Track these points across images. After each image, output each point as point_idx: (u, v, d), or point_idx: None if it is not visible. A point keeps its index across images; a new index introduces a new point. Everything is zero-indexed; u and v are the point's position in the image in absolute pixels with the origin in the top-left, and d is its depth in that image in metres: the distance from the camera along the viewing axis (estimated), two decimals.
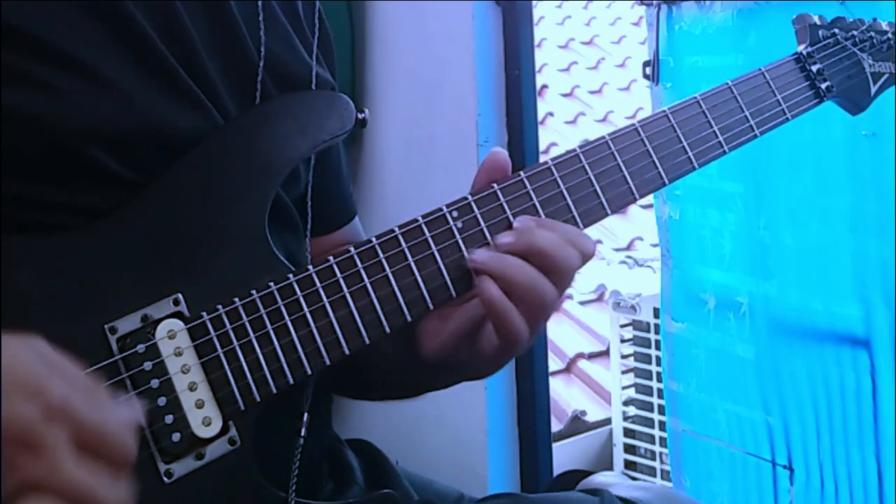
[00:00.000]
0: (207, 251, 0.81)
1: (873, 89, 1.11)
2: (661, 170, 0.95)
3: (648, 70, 2.03)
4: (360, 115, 0.92)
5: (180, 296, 0.79)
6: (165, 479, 0.76)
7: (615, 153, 0.93)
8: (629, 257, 3.96)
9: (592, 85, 5.68)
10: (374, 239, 0.84)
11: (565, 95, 5.53)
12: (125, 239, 0.79)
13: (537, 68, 1.72)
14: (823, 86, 1.06)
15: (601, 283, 3.71)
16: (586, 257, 0.85)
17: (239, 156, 0.84)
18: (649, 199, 2.44)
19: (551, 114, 5.02)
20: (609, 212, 0.92)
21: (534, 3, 1.70)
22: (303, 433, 0.86)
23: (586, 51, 6.23)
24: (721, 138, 0.98)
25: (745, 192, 1.96)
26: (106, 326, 0.76)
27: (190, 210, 0.82)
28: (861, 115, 1.73)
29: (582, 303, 3.97)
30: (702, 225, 2.05)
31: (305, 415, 0.87)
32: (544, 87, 5.34)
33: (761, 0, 1.83)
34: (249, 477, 0.79)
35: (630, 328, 3.14)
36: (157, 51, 0.82)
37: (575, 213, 0.90)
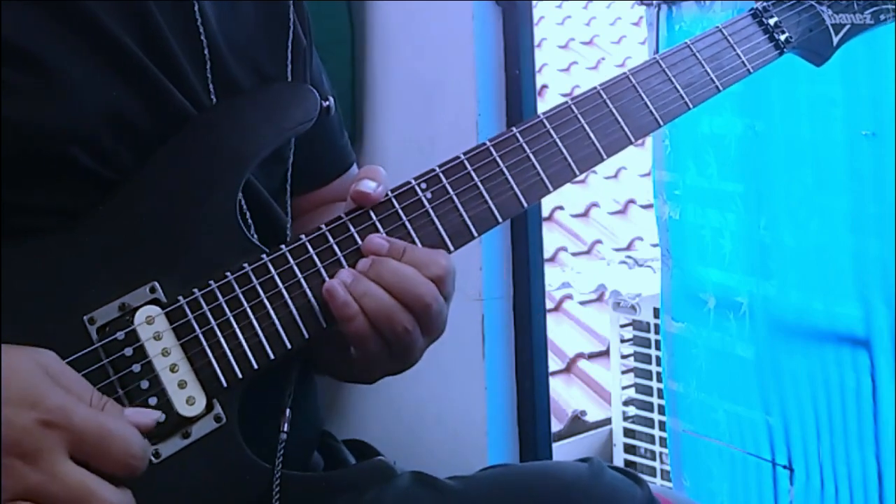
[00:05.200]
0: (181, 240, 0.83)
1: (835, 40, 1.13)
2: (626, 129, 0.97)
3: None
4: (324, 104, 0.94)
5: (156, 284, 0.81)
6: (154, 459, 0.77)
7: (579, 116, 0.95)
8: (629, 257, 3.96)
9: (592, 85, 5.67)
10: (344, 216, 0.87)
11: (565, 95, 5.51)
12: (101, 235, 0.81)
13: (537, 68, 1.72)
14: (782, 38, 1.08)
15: (601, 283, 3.71)
16: (440, 280, 0.85)
17: (207, 148, 0.86)
18: (649, 198, 2.44)
19: None
20: (577, 172, 0.94)
21: (534, 3, 1.70)
22: (285, 428, 0.87)
23: (586, 51, 6.23)
24: (684, 94, 1.01)
25: (745, 192, 1.96)
26: (85, 317, 0.78)
27: (162, 202, 0.83)
28: (861, 115, 1.74)
29: (582, 303, 3.97)
30: (702, 225, 2.05)
31: (288, 411, 0.88)
32: (544, 87, 5.34)
33: (761, 0, 1.83)
34: (237, 452, 0.81)
35: (630, 328, 3.14)
36: (124, 47, 0.83)
37: (543, 177, 0.92)
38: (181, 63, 0.87)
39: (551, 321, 3.33)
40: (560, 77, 5.73)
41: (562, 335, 3.77)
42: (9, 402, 0.64)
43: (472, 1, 1.59)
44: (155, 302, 0.80)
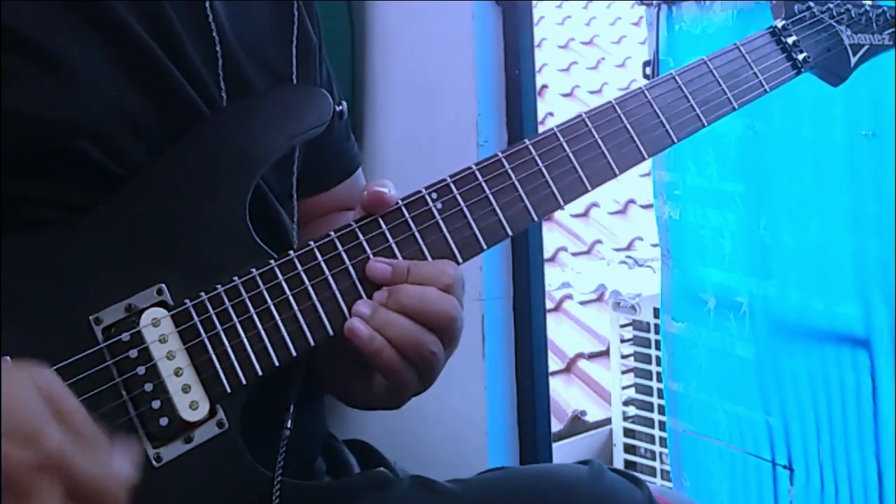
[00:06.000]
0: (189, 242, 0.82)
1: (853, 60, 1.12)
2: (639, 145, 0.96)
3: (648, 70, 2.03)
4: (337, 108, 0.94)
5: (163, 285, 0.80)
6: (155, 463, 0.77)
7: (592, 130, 0.94)
8: (629, 257, 3.96)
9: (592, 85, 5.68)
10: (353, 223, 0.86)
11: (565, 95, 5.53)
12: (108, 233, 0.80)
13: (537, 68, 1.72)
14: (800, 57, 1.07)
15: (601, 283, 3.72)
16: (451, 288, 0.84)
17: (218, 149, 0.86)
18: (649, 198, 2.44)
19: (551, 114, 5.02)
20: (589, 187, 0.93)
21: (534, 3, 1.70)
22: (289, 424, 0.87)
23: (586, 51, 6.23)
24: (699, 112, 1.00)
25: (745, 192, 1.96)
26: (91, 318, 0.77)
27: (171, 203, 0.83)
28: (861, 115, 1.74)
29: (582, 303, 3.97)
30: (702, 225, 2.06)
31: (292, 408, 0.88)
32: (544, 87, 5.34)
33: (761, 0, 1.83)
34: (239, 459, 0.80)
35: (630, 328, 3.14)
36: (141, 43, 0.83)
37: (555, 191, 0.91)
38: (193, 61, 0.87)
39: (551, 321, 3.33)
40: (560, 77, 5.73)
41: (562, 335, 3.77)
42: (7, 437, 0.63)
43: (472, 1, 1.59)
44: (161, 304, 0.80)
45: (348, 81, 1.71)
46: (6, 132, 0.77)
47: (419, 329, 0.81)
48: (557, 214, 4.65)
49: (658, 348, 2.89)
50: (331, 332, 0.83)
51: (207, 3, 0.89)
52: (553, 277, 3.91)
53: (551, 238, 4.36)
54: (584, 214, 4.75)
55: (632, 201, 4.86)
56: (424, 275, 0.83)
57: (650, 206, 2.89)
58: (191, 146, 0.85)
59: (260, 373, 0.80)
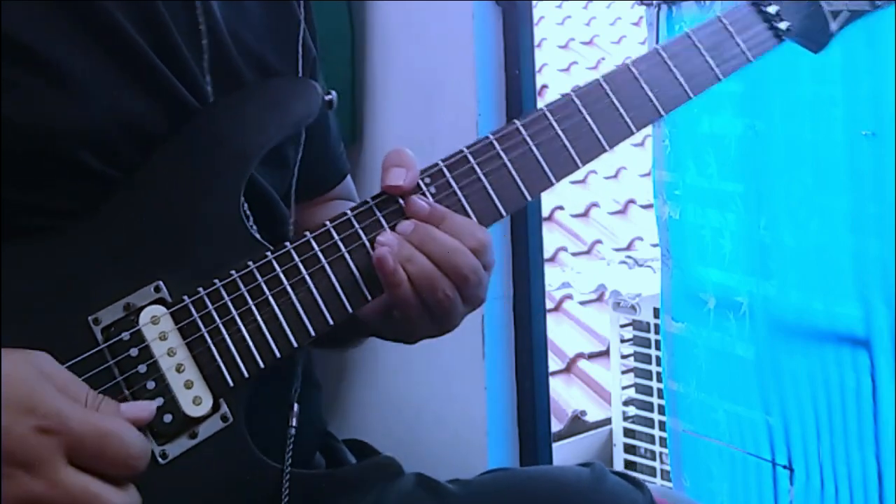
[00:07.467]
0: (185, 238, 0.82)
1: (833, 26, 1.12)
2: (627, 120, 0.97)
3: None
4: (326, 98, 0.94)
5: (161, 283, 0.80)
6: (161, 460, 0.77)
7: (581, 108, 0.95)
8: (629, 257, 3.96)
9: None
10: (348, 212, 0.86)
11: None
12: (104, 234, 0.81)
13: (537, 68, 1.72)
14: (782, 26, 1.08)
15: (601, 283, 3.72)
16: (478, 252, 0.85)
17: (210, 144, 0.86)
18: (649, 198, 2.44)
19: None
20: (580, 164, 0.94)
21: (534, 3, 1.70)
22: (293, 422, 0.87)
23: (586, 51, 6.24)
24: (684, 84, 1.00)
25: (745, 192, 1.96)
26: (90, 318, 0.78)
27: (165, 200, 0.83)
28: (861, 115, 1.74)
29: (582, 303, 3.97)
30: (702, 225, 2.05)
31: (296, 406, 0.88)
32: (544, 87, 5.34)
33: None
34: (244, 452, 0.80)
35: (630, 328, 3.14)
36: (136, 47, 0.83)
37: (546, 169, 0.92)
38: (191, 65, 0.87)
39: (551, 321, 3.33)
40: (560, 77, 5.72)
41: (562, 335, 3.77)
42: (6, 409, 0.64)
43: (472, 1, 1.59)
44: (160, 301, 0.80)
45: (348, 81, 1.71)
46: (5, 140, 0.77)
47: (437, 272, 0.83)
48: (557, 214, 4.65)
49: (658, 348, 2.89)
50: (330, 321, 0.83)
51: (200, 6, 0.89)
52: (553, 277, 3.91)
53: (551, 238, 4.37)
54: (584, 214, 4.75)
55: (632, 201, 4.86)
56: (457, 228, 0.85)
57: (650, 206, 2.89)
58: (181, 142, 0.85)
59: (261, 364, 0.81)
